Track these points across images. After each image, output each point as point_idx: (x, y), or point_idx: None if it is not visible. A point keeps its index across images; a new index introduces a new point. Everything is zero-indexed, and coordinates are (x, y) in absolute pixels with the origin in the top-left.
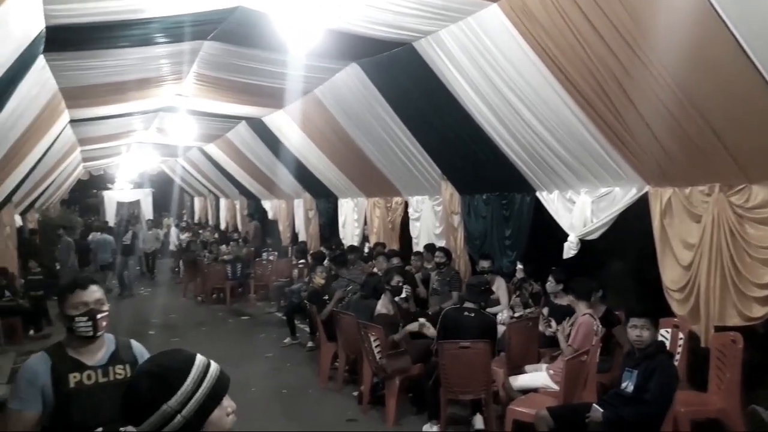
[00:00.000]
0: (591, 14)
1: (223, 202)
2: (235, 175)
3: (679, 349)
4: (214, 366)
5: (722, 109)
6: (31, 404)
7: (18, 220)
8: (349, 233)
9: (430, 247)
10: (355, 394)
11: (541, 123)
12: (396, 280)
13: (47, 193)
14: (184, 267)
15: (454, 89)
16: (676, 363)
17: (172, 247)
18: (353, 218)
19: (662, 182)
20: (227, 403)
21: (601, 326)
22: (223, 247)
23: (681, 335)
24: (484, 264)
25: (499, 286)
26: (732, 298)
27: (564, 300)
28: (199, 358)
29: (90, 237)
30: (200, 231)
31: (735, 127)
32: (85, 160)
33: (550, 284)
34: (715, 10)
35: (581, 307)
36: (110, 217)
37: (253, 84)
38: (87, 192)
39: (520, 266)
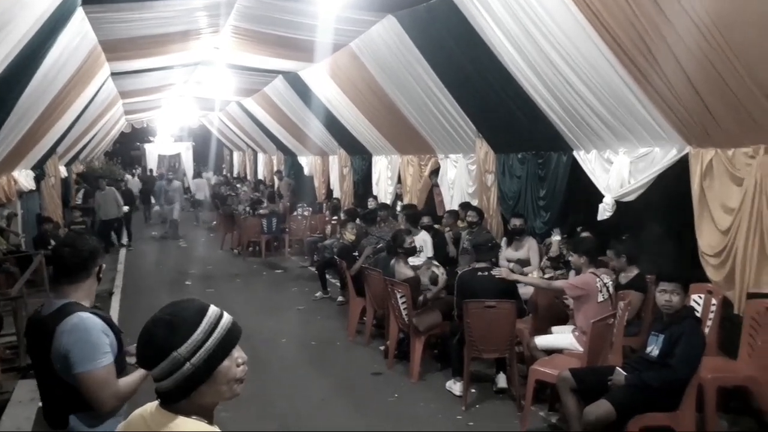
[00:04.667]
0: None
1: (261, 156)
2: (273, 130)
3: (712, 315)
4: (226, 317)
5: None
6: (111, 354)
7: (63, 171)
8: (382, 191)
9: (466, 205)
10: (382, 348)
11: (582, 80)
12: (408, 241)
13: (91, 145)
14: (219, 220)
15: (492, 44)
16: (707, 329)
17: (201, 197)
18: (387, 176)
19: (704, 143)
20: (237, 353)
21: (611, 285)
22: (240, 207)
23: (714, 301)
24: (516, 222)
25: (531, 247)
26: None
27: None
28: (212, 309)
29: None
30: (238, 185)
31: None
32: (127, 112)
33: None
34: None
35: (584, 269)
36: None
37: (289, 37)
38: (130, 145)
39: (557, 237)
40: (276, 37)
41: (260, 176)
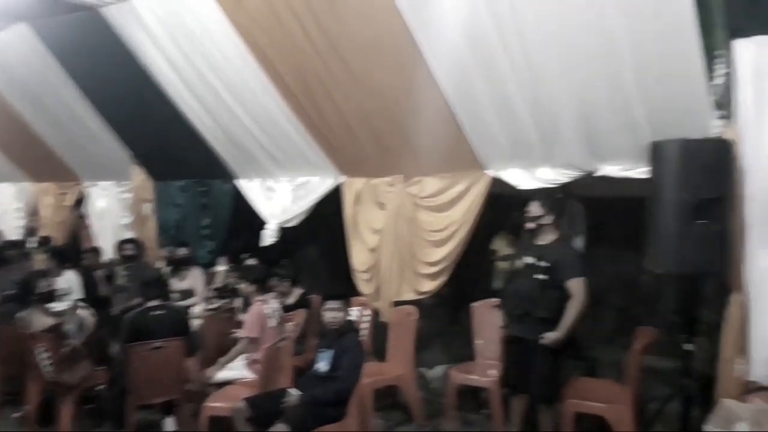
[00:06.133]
0: (298, 9)
1: None
2: None
3: (366, 325)
4: None
5: (407, 111)
6: None
7: None
8: (9, 225)
9: (120, 244)
10: (17, 415)
11: (244, 109)
12: (44, 285)
13: None
14: None
15: (149, 65)
16: (363, 338)
17: None
18: (14, 207)
19: (355, 173)
20: None
21: (279, 309)
22: None
23: (367, 312)
24: (180, 252)
25: (196, 278)
26: (407, 275)
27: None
28: None
29: None
30: None
31: (416, 127)
32: None
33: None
34: (405, 23)
35: (251, 297)
36: None
37: None
38: None
39: (223, 267)
40: None
41: None
